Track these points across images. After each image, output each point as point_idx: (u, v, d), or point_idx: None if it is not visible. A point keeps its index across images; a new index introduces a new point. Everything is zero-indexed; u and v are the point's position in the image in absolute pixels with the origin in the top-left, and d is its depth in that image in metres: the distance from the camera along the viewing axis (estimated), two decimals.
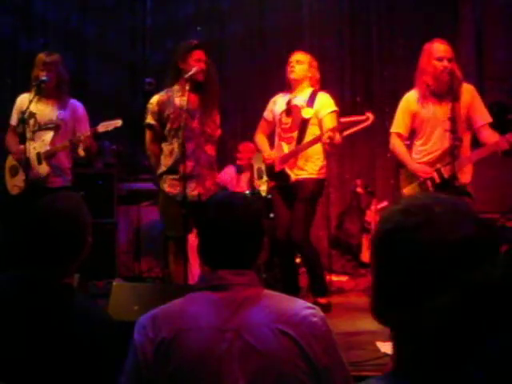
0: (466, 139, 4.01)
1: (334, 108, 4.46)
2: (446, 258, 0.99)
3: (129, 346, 1.64)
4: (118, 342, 1.79)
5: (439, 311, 1.00)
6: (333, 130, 4.16)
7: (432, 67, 3.97)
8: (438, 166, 3.99)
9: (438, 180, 3.98)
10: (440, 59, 3.94)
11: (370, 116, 4.09)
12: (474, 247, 1.01)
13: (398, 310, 1.03)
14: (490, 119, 4.03)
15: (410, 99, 4.14)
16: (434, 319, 1.00)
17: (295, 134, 4.45)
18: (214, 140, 4.37)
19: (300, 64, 4.52)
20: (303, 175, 4.44)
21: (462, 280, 0.99)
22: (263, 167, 4.71)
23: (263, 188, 4.74)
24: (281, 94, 4.68)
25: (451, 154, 3.81)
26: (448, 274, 0.99)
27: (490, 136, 3.97)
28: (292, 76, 4.53)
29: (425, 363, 1.02)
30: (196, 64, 4.14)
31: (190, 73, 4.08)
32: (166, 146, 4.26)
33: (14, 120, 4.61)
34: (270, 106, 4.71)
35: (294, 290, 4.35)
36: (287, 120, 4.53)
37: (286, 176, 4.45)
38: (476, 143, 4.08)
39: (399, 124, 4.19)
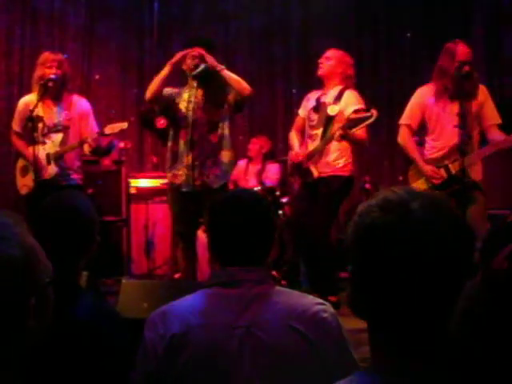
0: (476, 139, 3.99)
1: (360, 106, 4.35)
2: (422, 255, 1.00)
3: (139, 343, 1.64)
4: (127, 340, 1.78)
5: (413, 307, 1.01)
6: (342, 127, 4.12)
7: (453, 70, 3.92)
8: (446, 162, 3.98)
9: (445, 176, 3.97)
10: (463, 63, 3.89)
11: (374, 112, 4.03)
12: (449, 244, 1.01)
13: (372, 303, 1.05)
14: (499, 120, 4.02)
15: (425, 93, 4.11)
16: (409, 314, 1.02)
17: (320, 131, 4.41)
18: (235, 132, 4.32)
19: (328, 60, 4.49)
20: (326, 172, 4.39)
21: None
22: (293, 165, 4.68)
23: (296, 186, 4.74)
24: (315, 92, 4.65)
25: (459, 151, 3.78)
26: (425, 270, 1.00)
27: (498, 136, 3.97)
28: (319, 72, 4.52)
29: (398, 355, 1.03)
30: (190, 61, 4.15)
31: (198, 70, 4.11)
32: (170, 141, 4.26)
33: (17, 125, 4.55)
34: (304, 102, 4.69)
35: (321, 287, 4.31)
36: (314, 117, 4.50)
37: (309, 173, 4.42)
38: (483, 143, 4.07)
39: (410, 116, 4.16)
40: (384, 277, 1.02)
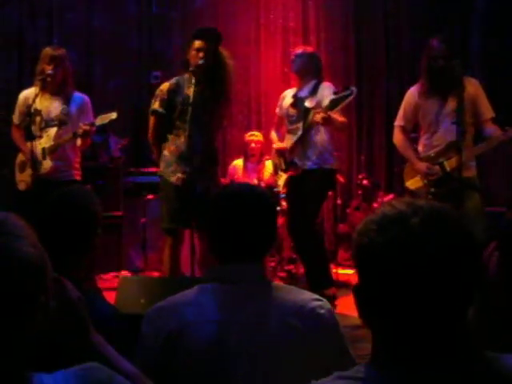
0: (470, 133, 4.00)
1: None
2: (423, 271, 0.98)
3: (136, 339, 1.64)
4: (125, 336, 1.78)
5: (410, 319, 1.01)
6: (324, 109, 4.19)
7: (426, 66, 4.02)
8: (441, 159, 3.99)
9: (440, 174, 3.98)
10: (435, 58, 3.95)
11: (354, 89, 4.15)
12: (451, 258, 0.99)
13: (380, 317, 1.05)
14: (492, 114, 4.04)
15: (415, 93, 4.17)
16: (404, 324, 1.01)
17: (300, 124, 4.53)
18: (219, 132, 4.38)
19: (299, 57, 4.67)
20: (309, 165, 4.50)
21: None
22: (277, 161, 4.76)
23: (280, 182, 4.73)
24: (289, 89, 4.83)
25: (455, 148, 3.79)
26: (428, 285, 0.99)
27: (492, 130, 3.98)
28: (292, 69, 4.74)
29: (397, 356, 1.03)
30: (195, 54, 4.02)
31: (197, 64, 3.99)
32: (172, 136, 4.09)
33: (16, 118, 4.58)
34: (280, 100, 4.84)
35: (319, 284, 4.32)
36: (293, 112, 4.63)
37: (295, 166, 4.52)
38: (478, 137, 4.08)
39: (402, 117, 4.24)
40: (388, 293, 1.01)
